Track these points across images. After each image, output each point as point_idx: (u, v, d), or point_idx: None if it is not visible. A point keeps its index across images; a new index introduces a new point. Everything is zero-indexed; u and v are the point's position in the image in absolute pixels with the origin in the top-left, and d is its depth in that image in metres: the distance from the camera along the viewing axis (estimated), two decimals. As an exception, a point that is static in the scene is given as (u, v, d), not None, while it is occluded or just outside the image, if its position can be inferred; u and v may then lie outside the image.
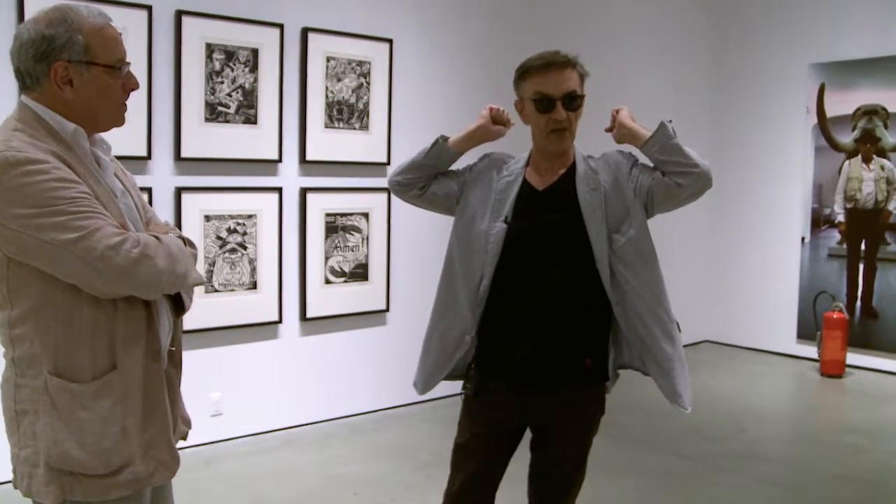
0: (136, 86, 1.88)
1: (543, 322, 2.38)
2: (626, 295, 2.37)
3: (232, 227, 4.57)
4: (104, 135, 1.91)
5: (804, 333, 6.85)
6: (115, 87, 1.83)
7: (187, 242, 1.92)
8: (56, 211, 1.65)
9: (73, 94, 1.77)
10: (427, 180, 2.53)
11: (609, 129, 2.50)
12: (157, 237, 1.79)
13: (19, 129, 1.74)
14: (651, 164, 2.40)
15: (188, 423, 2.08)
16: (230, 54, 4.49)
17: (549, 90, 2.34)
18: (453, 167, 2.59)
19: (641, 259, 2.38)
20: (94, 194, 1.74)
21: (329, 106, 4.92)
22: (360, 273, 5.12)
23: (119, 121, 1.88)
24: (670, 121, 2.34)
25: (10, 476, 1.85)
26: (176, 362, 1.97)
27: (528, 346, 2.38)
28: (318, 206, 4.91)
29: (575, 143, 2.46)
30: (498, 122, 2.52)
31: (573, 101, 2.36)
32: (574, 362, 2.39)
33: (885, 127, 6.41)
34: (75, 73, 1.77)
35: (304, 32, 4.79)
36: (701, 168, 2.32)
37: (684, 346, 8.29)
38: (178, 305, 1.92)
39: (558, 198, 2.41)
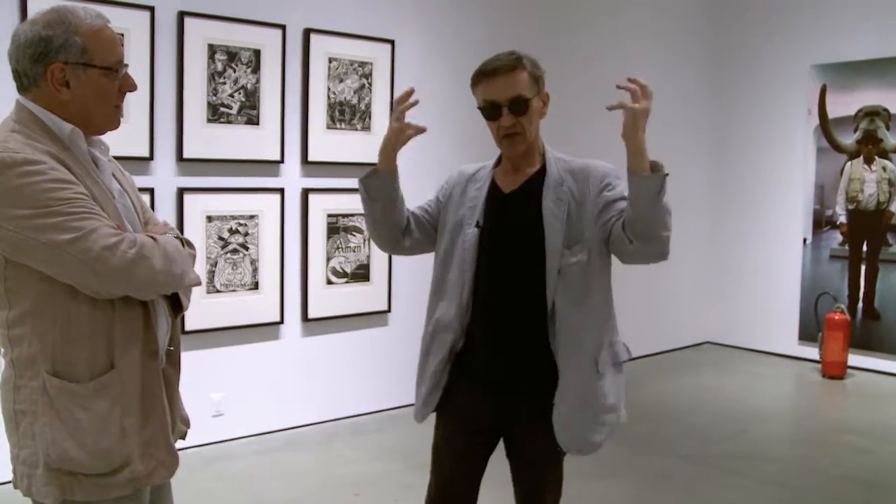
0: (133, 88, 1.88)
1: (501, 326, 2.34)
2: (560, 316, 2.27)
3: (234, 228, 4.57)
4: (104, 136, 1.91)
5: (806, 335, 6.84)
6: (112, 89, 1.83)
7: (185, 243, 1.92)
8: (53, 212, 1.66)
9: (69, 96, 1.78)
10: (401, 221, 2.44)
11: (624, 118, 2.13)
12: (153, 238, 1.80)
13: (16, 130, 1.75)
14: (622, 195, 2.25)
15: (187, 423, 2.09)
16: (232, 55, 4.50)
17: (494, 96, 2.29)
18: (428, 197, 2.53)
19: (585, 287, 2.28)
20: (91, 195, 1.75)
21: (331, 107, 4.92)
22: (361, 274, 5.12)
23: (113, 123, 1.88)
24: (667, 174, 2.13)
25: (10, 476, 1.86)
26: (174, 362, 1.97)
27: (489, 347, 2.34)
28: (320, 207, 4.92)
29: (546, 145, 2.40)
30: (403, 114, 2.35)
31: (519, 106, 2.27)
32: (534, 368, 2.33)
33: (887, 128, 6.40)
34: (72, 75, 1.77)
35: (306, 33, 4.79)
36: (661, 240, 2.15)
37: (686, 346, 8.15)
38: (176, 305, 1.93)
39: (524, 202, 2.34)
